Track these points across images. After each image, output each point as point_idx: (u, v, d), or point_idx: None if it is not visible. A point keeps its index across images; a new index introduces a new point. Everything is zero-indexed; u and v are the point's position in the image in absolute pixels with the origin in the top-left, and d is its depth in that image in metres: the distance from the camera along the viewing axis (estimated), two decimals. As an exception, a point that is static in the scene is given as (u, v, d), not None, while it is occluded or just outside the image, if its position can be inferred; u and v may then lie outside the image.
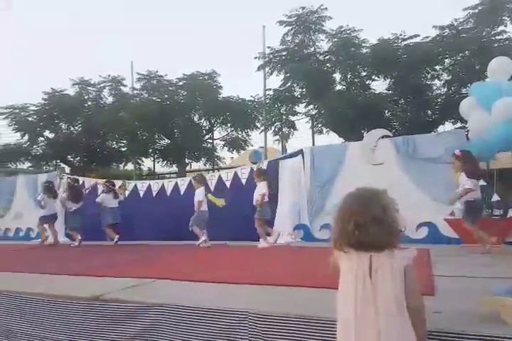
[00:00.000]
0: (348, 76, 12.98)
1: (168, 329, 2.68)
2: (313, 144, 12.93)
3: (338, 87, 13.34)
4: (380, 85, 13.30)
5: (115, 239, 7.41)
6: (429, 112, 12.98)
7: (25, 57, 70.61)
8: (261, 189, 6.43)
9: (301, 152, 7.07)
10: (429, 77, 12.71)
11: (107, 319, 2.86)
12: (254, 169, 7.09)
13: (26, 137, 17.37)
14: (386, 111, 12.93)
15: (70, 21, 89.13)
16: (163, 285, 3.41)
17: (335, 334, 1.72)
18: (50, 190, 8.08)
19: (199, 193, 6.77)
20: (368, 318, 1.54)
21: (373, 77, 13.05)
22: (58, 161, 18.20)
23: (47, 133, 17.77)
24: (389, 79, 12.95)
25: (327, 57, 13.07)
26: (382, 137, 6.61)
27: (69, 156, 17.79)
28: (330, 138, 14.04)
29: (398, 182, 5.93)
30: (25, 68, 69.02)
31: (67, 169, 17.29)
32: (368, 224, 1.53)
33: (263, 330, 2.40)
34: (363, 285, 1.57)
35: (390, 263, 1.56)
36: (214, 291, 3.11)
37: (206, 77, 15.90)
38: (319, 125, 13.98)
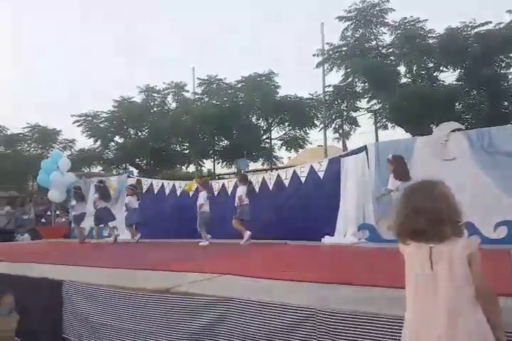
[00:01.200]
0: (414, 68, 12.42)
1: (235, 322, 2.71)
2: (377, 140, 12.44)
3: (403, 80, 12.82)
4: (448, 76, 12.62)
5: (137, 238, 8.04)
6: (505, 103, 11.96)
7: (93, 64, 76.10)
8: (239, 192, 7.05)
9: (365, 148, 6.81)
10: (503, 65, 11.73)
11: (177, 311, 2.95)
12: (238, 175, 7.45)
13: (98, 142, 18.69)
14: (457, 104, 12.15)
15: (131, 32, 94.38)
16: (229, 281, 3.45)
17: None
18: (78, 194, 9.18)
19: (201, 196, 7.37)
20: (430, 311, 1.52)
21: (441, 68, 12.40)
22: (127, 164, 19.31)
23: (117, 138, 18.98)
24: (459, 70, 12.21)
25: (390, 50, 12.61)
26: (454, 131, 6.17)
27: (137, 160, 18.81)
28: (395, 134, 13.42)
29: (472, 179, 5.51)
30: (95, 76, 74.42)
31: (135, 172, 18.28)
32: (427, 215, 1.54)
33: (331, 327, 2.34)
34: (424, 277, 1.56)
35: (451, 253, 1.54)
36: (280, 288, 3.09)
37: (264, 77, 16.01)
38: (383, 120, 13.46)
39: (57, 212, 11.63)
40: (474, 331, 1.46)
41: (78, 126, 18.73)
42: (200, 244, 6.98)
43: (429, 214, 1.55)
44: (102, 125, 18.68)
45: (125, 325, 3.20)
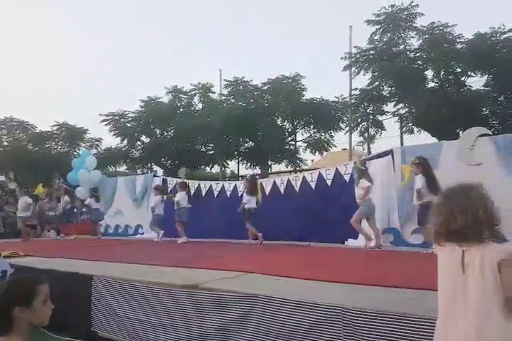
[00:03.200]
0: (442, 73, 12.23)
1: (261, 318, 2.76)
2: (402, 144, 12.32)
3: (431, 85, 12.62)
4: (476, 82, 12.36)
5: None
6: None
7: (123, 66, 77.96)
8: (177, 197, 8.05)
9: (390, 152, 6.78)
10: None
11: (204, 306, 3.04)
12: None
13: (125, 141, 19.08)
14: (484, 109, 11.91)
15: (170, 36, 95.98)
16: (255, 279, 3.52)
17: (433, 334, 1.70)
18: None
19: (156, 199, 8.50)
20: (460, 314, 1.54)
21: (469, 73, 12.16)
22: (152, 164, 19.64)
23: (143, 137, 19.32)
24: (486, 76, 11.98)
25: (418, 54, 12.47)
26: (481, 136, 6.08)
27: (162, 159, 19.10)
28: (420, 139, 13.21)
29: (499, 184, 5.36)
30: (124, 76, 76.21)
31: (160, 171, 18.56)
32: (464, 216, 1.56)
33: (358, 326, 2.37)
34: (454, 279, 1.58)
35: (482, 257, 1.54)
36: (305, 287, 3.13)
37: (290, 80, 16.02)
38: (409, 124, 13.30)
39: (83, 209, 11.94)
40: (501, 333, 1.48)
41: (106, 124, 19.18)
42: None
43: (466, 215, 1.56)
44: (129, 124, 19.06)
45: (152, 319, 3.30)
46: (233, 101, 16.74)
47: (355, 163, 6.80)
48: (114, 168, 20.30)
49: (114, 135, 19.00)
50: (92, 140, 22.35)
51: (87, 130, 22.26)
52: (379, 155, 7.02)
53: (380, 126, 13.77)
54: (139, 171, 19.13)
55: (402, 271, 3.90)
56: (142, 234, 9.89)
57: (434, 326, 1.69)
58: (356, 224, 6.16)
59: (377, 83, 12.92)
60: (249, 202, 7.21)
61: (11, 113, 32.11)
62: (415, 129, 13.40)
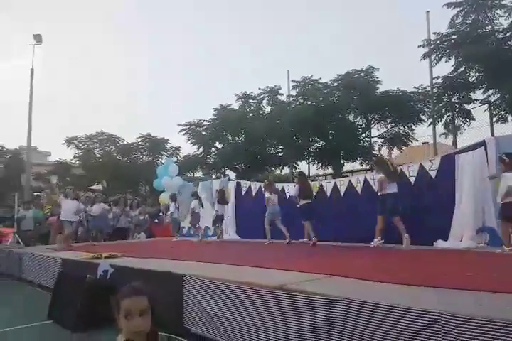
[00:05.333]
0: (540, 53, 10.84)
1: (352, 323, 2.64)
2: (492, 135, 11.13)
3: (525, 67, 11.26)
4: None
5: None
6: None
7: (197, 76, 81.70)
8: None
9: (483, 144, 6.16)
10: None
11: (291, 308, 2.98)
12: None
13: (201, 149, 19.92)
14: None
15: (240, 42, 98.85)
16: (342, 281, 3.40)
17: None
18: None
19: None
20: None
21: None
22: (226, 168, 20.24)
23: (217, 144, 20.03)
24: None
25: (508, 34, 11.21)
26: None
27: (234, 163, 19.62)
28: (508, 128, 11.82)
29: None
30: (198, 87, 79.83)
31: (233, 175, 19.07)
32: None
33: (459, 334, 2.16)
34: None
35: None
36: (397, 291, 2.93)
37: (362, 74, 15.43)
38: (502, 112, 11.98)
39: (168, 213, 12.62)
40: None
41: (184, 134, 20.21)
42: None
43: None
44: (204, 132, 19.90)
45: (240, 317, 3.33)
46: (302, 101, 16.55)
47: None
48: (192, 174, 21.29)
49: (191, 143, 19.96)
50: (173, 149, 23.79)
51: (168, 140, 23.75)
52: (470, 148, 6.40)
53: (467, 115, 12.59)
54: (214, 176, 19.80)
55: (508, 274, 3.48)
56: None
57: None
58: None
59: (462, 69, 11.85)
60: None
61: (101, 127, 35.20)
62: (509, 117, 12.05)
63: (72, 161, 23.94)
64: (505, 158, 5.33)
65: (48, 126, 62.06)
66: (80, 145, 23.43)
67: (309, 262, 4.88)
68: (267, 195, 8.53)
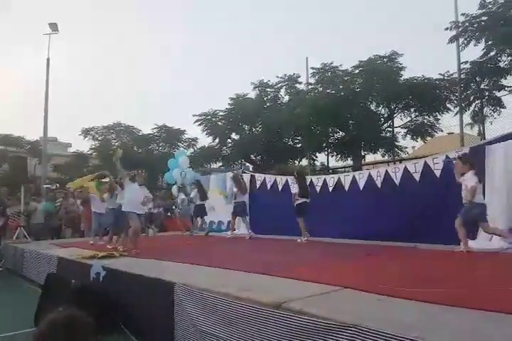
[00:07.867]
0: None
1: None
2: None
3: (562, 49, 10.25)
4: None
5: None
6: None
7: (214, 66, 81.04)
8: None
9: (517, 133, 5.49)
10: None
11: (290, 332, 2.50)
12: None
13: (217, 140, 19.48)
14: None
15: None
16: (351, 297, 2.88)
17: None
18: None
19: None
20: None
21: None
22: (243, 160, 19.76)
23: (233, 135, 19.53)
24: None
25: (545, 14, 10.20)
26: None
27: (251, 155, 19.11)
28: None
29: None
30: (216, 76, 79.19)
31: (250, 167, 18.59)
32: None
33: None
34: None
35: None
36: (421, 313, 2.40)
37: (385, 60, 14.53)
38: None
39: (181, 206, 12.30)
40: None
41: (199, 125, 19.76)
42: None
43: None
44: (220, 123, 19.40)
45: (232, 337, 2.89)
46: (321, 89, 15.79)
47: None
48: (208, 166, 20.93)
49: (206, 134, 19.52)
50: (189, 140, 23.46)
51: (184, 130, 23.41)
52: (502, 138, 5.74)
53: (498, 103, 11.63)
54: (233, 167, 19.40)
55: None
56: (234, 229, 9.82)
57: None
58: None
59: (492, 53, 10.89)
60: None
61: (118, 118, 35.27)
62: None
63: (89, 152, 23.94)
64: None
65: (68, 117, 62.70)
66: (97, 136, 23.38)
67: (321, 267, 4.39)
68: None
